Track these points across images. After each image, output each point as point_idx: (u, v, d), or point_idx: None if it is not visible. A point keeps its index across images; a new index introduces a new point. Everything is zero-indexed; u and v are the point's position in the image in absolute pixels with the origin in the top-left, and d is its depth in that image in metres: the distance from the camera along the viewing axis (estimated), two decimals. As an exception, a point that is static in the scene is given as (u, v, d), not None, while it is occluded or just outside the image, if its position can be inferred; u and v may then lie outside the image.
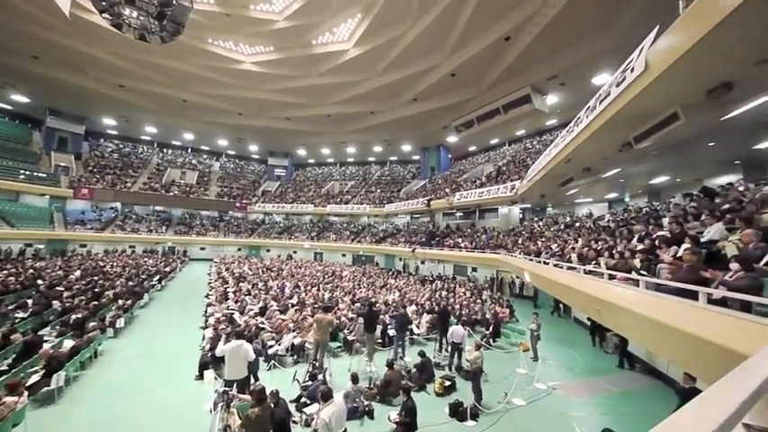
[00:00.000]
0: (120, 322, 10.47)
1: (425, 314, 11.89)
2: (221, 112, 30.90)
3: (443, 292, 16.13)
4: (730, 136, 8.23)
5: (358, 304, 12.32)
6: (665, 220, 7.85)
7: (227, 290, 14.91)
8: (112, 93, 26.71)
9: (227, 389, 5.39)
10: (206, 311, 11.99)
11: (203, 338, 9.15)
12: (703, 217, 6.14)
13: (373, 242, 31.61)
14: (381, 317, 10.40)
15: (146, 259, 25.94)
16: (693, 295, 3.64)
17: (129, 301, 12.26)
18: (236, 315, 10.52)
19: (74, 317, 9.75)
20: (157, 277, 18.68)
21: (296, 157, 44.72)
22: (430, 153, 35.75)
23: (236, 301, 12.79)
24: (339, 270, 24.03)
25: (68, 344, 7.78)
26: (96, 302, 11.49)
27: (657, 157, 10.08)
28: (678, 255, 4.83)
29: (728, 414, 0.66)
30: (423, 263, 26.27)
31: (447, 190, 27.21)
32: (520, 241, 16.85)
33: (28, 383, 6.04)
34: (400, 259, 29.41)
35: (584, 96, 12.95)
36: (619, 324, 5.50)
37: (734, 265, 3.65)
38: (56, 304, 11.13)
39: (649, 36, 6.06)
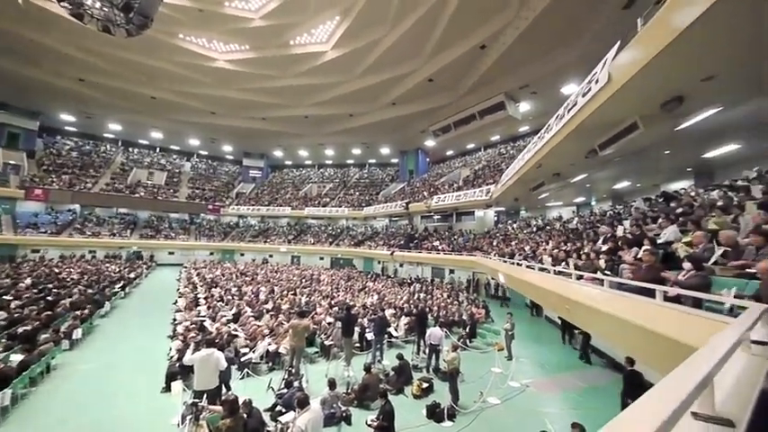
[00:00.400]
0: (78, 333, 9.71)
1: (404, 317, 11.94)
2: (193, 110, 29.71)
3: (421, 295, 16.28)
4: (683, 145, 8.93)
5: (336, 308, 12.17)
6: (627, 223, 8.37)
7: (198, 296, 14.26)
8: (72, 87, 24.96)
9: (196, 400, 5.14)
10: (174, 319, 11.39)
11: (171, 348, 8.68)
12: (660, 220, 6.59)
13: (352, 245, 31.42)
14: (359, 320, 10.33)
15: (108, 265, 24.31)
16: (652, 293, 3.89)
17: (88, 311, 11.42)
18: (207, 322, 10.08)
19: (22, 329, 8.94)
20: (120, 284, 17.56)
21: (272, 159, 43.74)
22: (408, 156, 36.12)
23: (208, 308, 12.26)
24: (317, 274, 23.66)
25: (17, 358, 7.12)
26: (50, 312, 10.61)
27: (620, 164, 10.75)
28: (638, 255, 5.16)
29: (678, 404, 0.70)
30: (401, 265, 26.41)
31: (425, 193, 27.58)
32: (495, 243, 17.35)
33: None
34: (379, 262, 29.40)
35: (553, 105, 13.60)
36: (586, 322, 5.78)
37: (687, 265, 3.94)
38: (1, 315, 10.15)
39: (612, 50, 6.48)
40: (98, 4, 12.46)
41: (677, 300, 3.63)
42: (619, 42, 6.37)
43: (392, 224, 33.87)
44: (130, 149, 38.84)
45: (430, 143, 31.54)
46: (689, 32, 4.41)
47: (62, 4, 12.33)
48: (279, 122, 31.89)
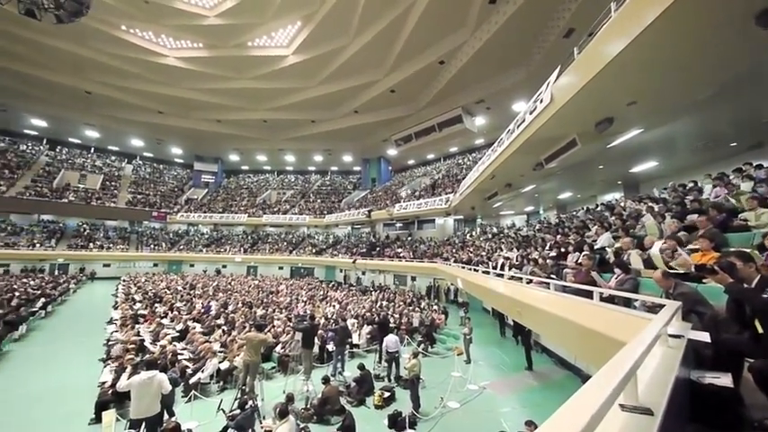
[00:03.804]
0: (-19, 362, 8.24)
1: (366, 325, 11.81)
2: (137, 108, 27.31)
3: (384, 302, 16.27)
4: (614, 161, 10.08)
5: (294, 319, 11.69)
6: (570, 231, 9.15)
7: (138, 313, 12.89)
8: (-18, 75, 21.67)
9: (131, 431, 4.59)
10: (108, 340, 10.14)
11: (103, 373, 7.70)
12: (594, 228, 7.31)
13: (313, 254, 30.63)
14: (320, 331, 10.02)
15: (25, 280, 21.06)
16: (590, 294, 4.27)
17: (-3, 335, 9.75)
18: (148, 342, 9.13)
19: None
20: (41, 302, 15.27)
21: (227, 163, 41.47)
22: (371, 164, 36.38)
23: (150, 326, 11.12)
24: (276, 284, 22.64)
25: None
26: (-57, 339, 8.89)
27: (562, 176, 11.82)
28: (578, 260, 5.65)
29: (605, 397, 0.77)
30: (364, 273, 26.26)
31: (387, 201, 27.88)
32: (454, 250, 17.97)
33: None
34: (341, 271, 28.96)
35: (506, 120, 14.57)
36: (535, 322, 6.17)
37: (617, 270, 4.40)
38: None
39: (554, 74, 7.15)
40: (21, -15, 11.04)
41: (611, 300, 4.03)
42: (559, 67, 7.06)
43: (354, 232, 33.65)
44: (57, 149, 34.42)
45: (392, 152, 32.11)
46: (613, 64, 5.03)
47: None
48: (235, 126, 30.46)
